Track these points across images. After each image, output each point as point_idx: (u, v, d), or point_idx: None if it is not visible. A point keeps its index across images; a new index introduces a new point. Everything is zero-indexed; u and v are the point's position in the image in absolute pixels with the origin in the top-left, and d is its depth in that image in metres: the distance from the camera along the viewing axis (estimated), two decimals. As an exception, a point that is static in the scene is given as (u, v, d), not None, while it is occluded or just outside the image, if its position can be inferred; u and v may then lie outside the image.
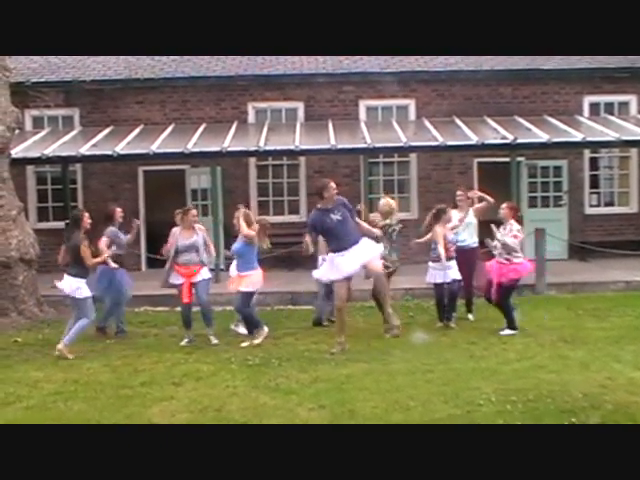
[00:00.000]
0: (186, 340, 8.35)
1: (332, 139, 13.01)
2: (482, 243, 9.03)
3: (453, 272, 8.77)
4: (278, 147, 12.98)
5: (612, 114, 14.80)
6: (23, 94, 13.37)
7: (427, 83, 14.87)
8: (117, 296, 8.94)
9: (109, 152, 12.66)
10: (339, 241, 7.63)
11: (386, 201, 9.01)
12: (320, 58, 15.28)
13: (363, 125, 14.03)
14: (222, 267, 11.68)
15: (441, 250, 8.58)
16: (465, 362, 7.05)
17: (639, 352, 7.28)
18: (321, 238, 8.10)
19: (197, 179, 14.63)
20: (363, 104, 14.99)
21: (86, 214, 8.20)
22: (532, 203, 14.86)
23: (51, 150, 12.87)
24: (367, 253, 7.69)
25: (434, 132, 13.22)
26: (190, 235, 8.46)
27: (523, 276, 8.55)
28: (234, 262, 8.64)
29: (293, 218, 14.74)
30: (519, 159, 13.73)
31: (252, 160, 14.72)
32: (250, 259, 8.34)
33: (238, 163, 14.60)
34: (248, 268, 8.27)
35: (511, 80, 14.85)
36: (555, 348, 7.58)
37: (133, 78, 14.71)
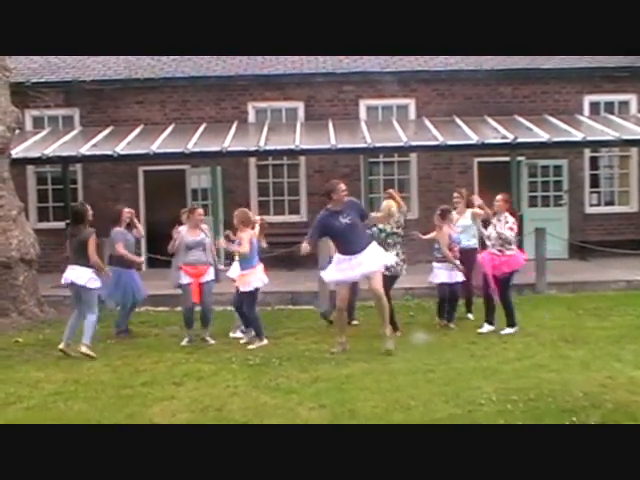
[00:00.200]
0: (186, 340, 8.35)
1: (332, 139, 13.02)
2: (484, 245, 9.00)
3: (458, 273, 8.78)
4: (278, 147, 12.99)
5: (612, 113, 14.81)
6: (23, 94, 13.38)
7: (427, 83, 14.87)
8: (123, 298, 8.88)
9: (109, 152, 12.67)
10: (347, 245, 7.56)
11: (386, 204, 8.56)
12: (320, 58, 15.29)
13: (363, 125, 14.04)
14: (222, 267, 11.66)
15: (445, 251, 8.58)
16: (466, 362, 7.05)
17: (640, 351, 7.28)
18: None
19: (197, 179, 14.63)
20: (363, 104, 15.00)
21: (88, 207, 8.04)
22: (532, 202, 14.88)
23: (51, 150, 12.87)
24: (373, 263, 7.57)
25: (434, 132, 13.22)
26: (197, 234, 8.48)
27: (517, 269, 8.49)
28: (235, 262, 8.63)
29: (293, 218, 14.76)
30: (519, 158, 13.74)
31: (252, 160, 14.73)
32: (250, 258, 8.32)
33: (238, 163, 14.60)
34: (248, 267, 8.26)
35: (511, 79, 14.86)
36: (556, 347, 7.57)
37: (133, 78, 14.73)
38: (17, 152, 12.20)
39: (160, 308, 10.56)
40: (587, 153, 15.14)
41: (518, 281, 10.70)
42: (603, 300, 10.38)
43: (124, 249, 8.66)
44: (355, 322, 9.10)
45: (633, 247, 13.04)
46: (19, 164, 12.48)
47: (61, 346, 7.73)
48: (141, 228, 9.25)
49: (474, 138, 12.80)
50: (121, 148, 12.80)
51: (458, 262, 8.74)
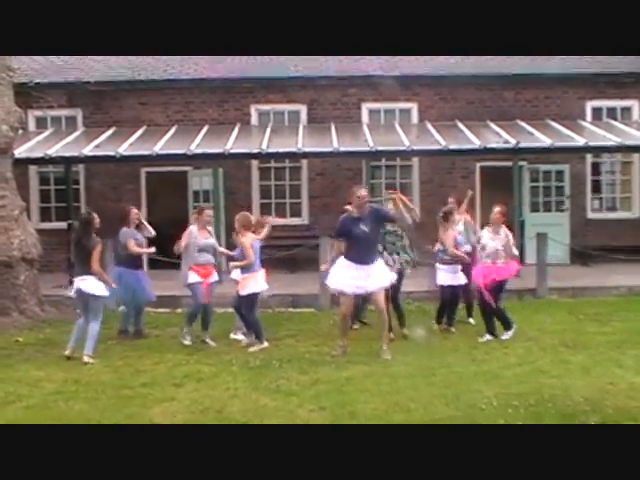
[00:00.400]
0: (189, 339, 8.34)
1: (335, 142, 13.02)
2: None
3: (460, 276, 8.81)
4: (281, 149, 13.00)
5: (614, 119, 14.81)
6: (26, 95, 13.40)
7: (430, 87, 14.89)
8: (124, 298, 8.82)
9: (112, 153, 12.68)
10: (358, 253, 7.49)
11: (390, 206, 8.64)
12: (323, 61, 15.30)
13: (366, 128, 14.04)
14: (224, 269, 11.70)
15: (452, 249, 8.58)
16: (467, 366, 7.04)
17: (641, 357, 7.27)
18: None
19: (199, 181, 14.63)
20: (366, 107, 15.02)
21: (95, 215, 7.99)
22: (534, 207, 14.88)
23: (54, 150, 12.88)
24: (380, 280, 7.53)
25: (436, 136, 13.23)
26: (207, 235, 8.55)
27: (511, 276, 8.54)
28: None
29: (295, 221, 14.76)
30: (521, 163, 13.76)
31: (254, 162, 14.75)
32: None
33: (240, 165, 14.61)
34: (249, 271, 8.25)
35: (514, 84, 14.86)
36: (556, 352, 7.57)
37: (136, 79, 14.75)
38: (20, 152, 12.21)
39: (161, 309, 10.54)
40: (589, 158, 15.14)
41: (519, 286, 10.76)
42: (604, 305, 10.37)
43: (135, 246, 8.59)
44: (355, 326, 9.08)
45: (634, 253, 13.02)
46: (22, 164, 12.51)
47: (67, 353, 7.67)
48: (150, 227, 9.08)
49: (476, 143, 12.81)
50: (124, 149, 12.81)
51: (465, 255, 8.75)
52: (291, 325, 9.49)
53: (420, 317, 9.75)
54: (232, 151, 12.71)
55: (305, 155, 13.36)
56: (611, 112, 15.05)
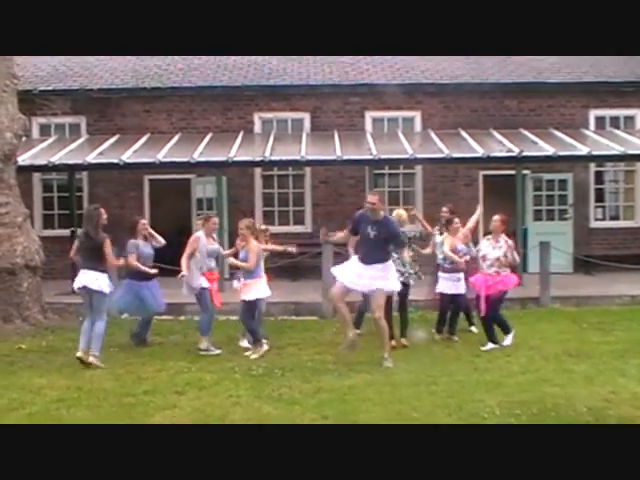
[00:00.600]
0: (207, 345, 8.30)
1: (338, 150, 13.04)
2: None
3: (462, 285, 8.82)
4: (284, 157, 13.02)
5: (618, 128, 14.81)
6: (30, 102, 13.46)
7: (433, 95, 14.91)
8: (129, 308, 8.88)
9: (115, 160, 12.71)
10: (362, 252, 7.62)
11: (396, 212, 8.81)
12: (327, 69, 15.35)
13: (369, 136, 14.06)
14: (227, 276, 11.72)
15: (449, 253, 8.58)
16: (469, 374, 7.03)
17: (644, 366, 7.25)
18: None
19: (202, 188, 14.65)
20: (369, 115, 15.04)
21: (102, 210, 7.93)
22: (537, 216, 14.86)
23: (58, 158, 12.92)
24: (377, 282, 7.48)
25: (440, 144, 13.24)
26: (212, 242, 8.64)
27: (510, 288, 8.53)
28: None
29: (298, 228, 14.77)
30: (524, 172, 13.75)
31: (258, 170, 14.76)
32: (255, 269, 8.32)
33: (244, 173, 14.64)
34: (251, 277, 8.27)
35: (517, 93, 14.88)
36: (559, 361, 7.55)
37: (140, 87, 14.78)
38: (24, 159, 12.26)
39: (163, 317, 10.52)
40: (592, 167, 15.13)
41: (522, 295, 10.74)
42: (607, 314, 10.35)
43: (135, 261, 8.55)
44: (358, 331, 9.03)
45: (638, 262, 13.00)
46: (25, 171, 12.54)
47: (79, 354, 7.61)
48: (159, 237, 8.92)
49: (479, 151, 12.82)
50: (127, 156, 12.84)
51: (466, 257, 8.74)
52: (294, 333, 9.47)
53: (423, 325, 9.74)
54: (235, 159, 12.73)
55: (308, 163, 13.38)
56: (614, 121, 15.06)
